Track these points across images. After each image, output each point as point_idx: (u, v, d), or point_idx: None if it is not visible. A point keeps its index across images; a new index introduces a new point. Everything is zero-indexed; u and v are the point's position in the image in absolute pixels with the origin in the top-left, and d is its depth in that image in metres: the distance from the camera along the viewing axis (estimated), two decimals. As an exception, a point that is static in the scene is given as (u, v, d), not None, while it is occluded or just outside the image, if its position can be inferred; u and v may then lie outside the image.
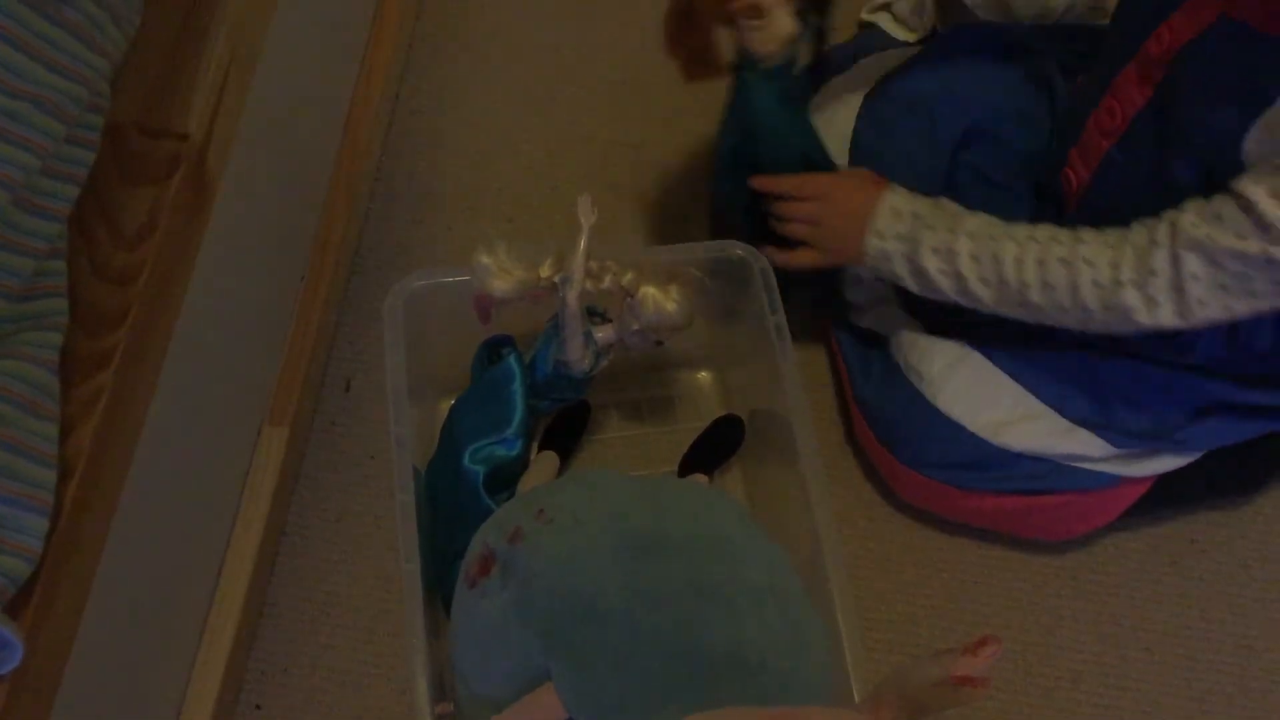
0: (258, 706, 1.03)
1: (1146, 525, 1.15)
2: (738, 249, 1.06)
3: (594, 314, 1.04)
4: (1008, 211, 0.98)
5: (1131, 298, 0.88)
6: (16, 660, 0.61)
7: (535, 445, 1.11)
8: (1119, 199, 0.95)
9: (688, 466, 1.12)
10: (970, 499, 1.07)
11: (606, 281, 0.98)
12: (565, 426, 1.13)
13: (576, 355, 1.02)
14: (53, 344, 0.67)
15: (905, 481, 1.11)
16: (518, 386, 1.05)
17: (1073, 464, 1.04)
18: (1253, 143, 0.82)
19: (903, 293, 1.07)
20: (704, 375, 1.20)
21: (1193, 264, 0.85)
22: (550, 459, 1.10)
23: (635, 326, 1.00)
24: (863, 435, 1.14)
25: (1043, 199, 1.09)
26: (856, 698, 0.89)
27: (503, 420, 1.05)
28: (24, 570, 0.63)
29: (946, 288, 0.98)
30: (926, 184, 1.06)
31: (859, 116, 1.17)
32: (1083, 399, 1.03)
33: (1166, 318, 0.88)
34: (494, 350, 1.08)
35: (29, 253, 0.67)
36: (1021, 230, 0.95)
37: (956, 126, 1.13)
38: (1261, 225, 0.80)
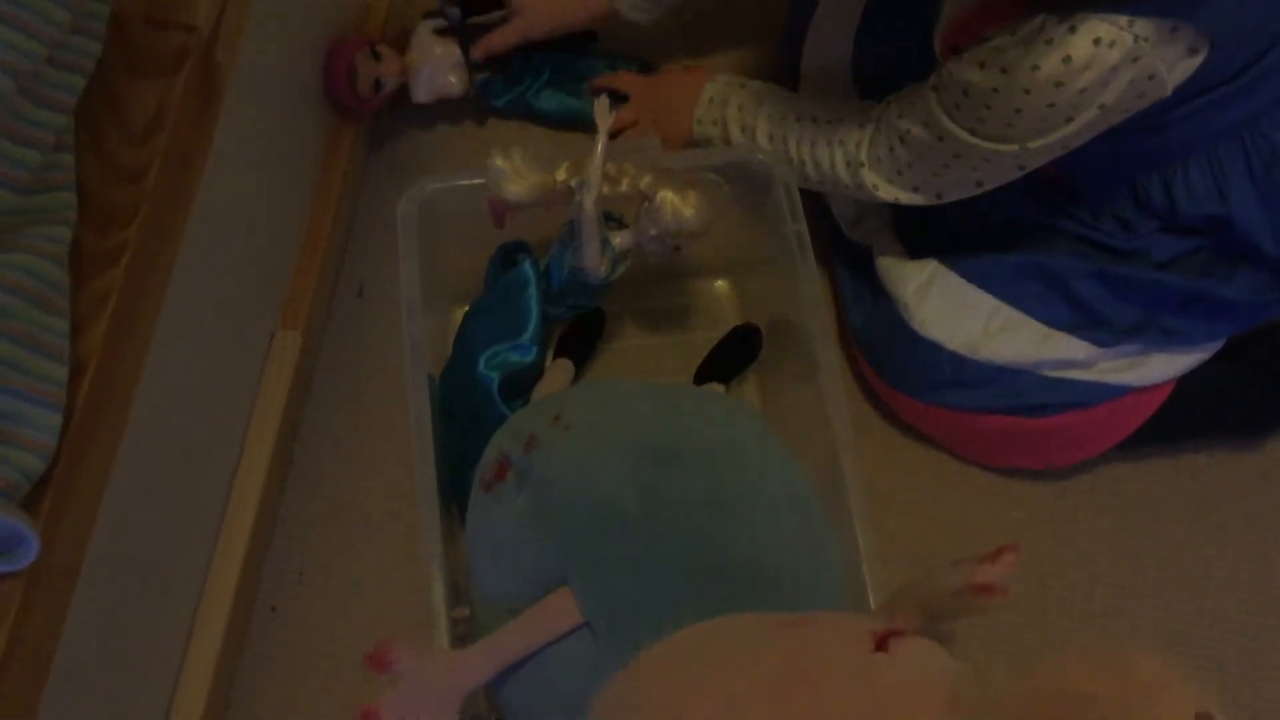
0: (273, 609, 1.04)
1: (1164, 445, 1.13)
2: (759, 154, 1.04)
3: (611, 219, 1.02)
4: None
5: (868, 177, 0.99)
6: (33, 555, 0.61)
7: (550, 353, 1.10)
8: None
9: (704, 376, 1.11)
10: (964, 419, 1.06)
11: (624, 186, 0.97)
12: (580, 334, 1.12)
13: (593, 261, 1.00)
14: (62, 239, 0.66)
15: (900, 406, 1.11)
16: (533, 292, 1.03)
17: (1059, 373, 1.02)
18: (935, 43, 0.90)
19: (888, 206, 1.06)
20: (721, 284, 1.18)
21: (901, 153, 0.95)
22: (565, 367, 1.09)
23: (653, 232, 0.98)
24: (859, 361, 1.13)
25: None
26: (872, 607, 0.89)
27: (518, 326, 1.03)
28: (39, 466, 0.62)
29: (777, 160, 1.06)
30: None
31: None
32: (1060, 304, 1.02)
33: (903, 196, 0.98)
34: (509, 256, 1.07)
35: (35, 144, 0.65)
36: (807, 109, 1.05)
37: None
38: (934, 123, 0.89)
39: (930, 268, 1.06)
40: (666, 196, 0.96)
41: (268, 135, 0.99)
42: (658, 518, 0.82)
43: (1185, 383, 1.05)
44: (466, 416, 1.03)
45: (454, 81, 1.16)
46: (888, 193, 0.99)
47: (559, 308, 1.07)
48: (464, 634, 0.91)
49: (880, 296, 1.09)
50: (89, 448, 0.67)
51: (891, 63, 1.12)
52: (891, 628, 0.74)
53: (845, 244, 1.15)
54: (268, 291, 1.05)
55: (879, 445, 1.13)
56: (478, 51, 1.16)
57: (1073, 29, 0.78)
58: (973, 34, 0.86)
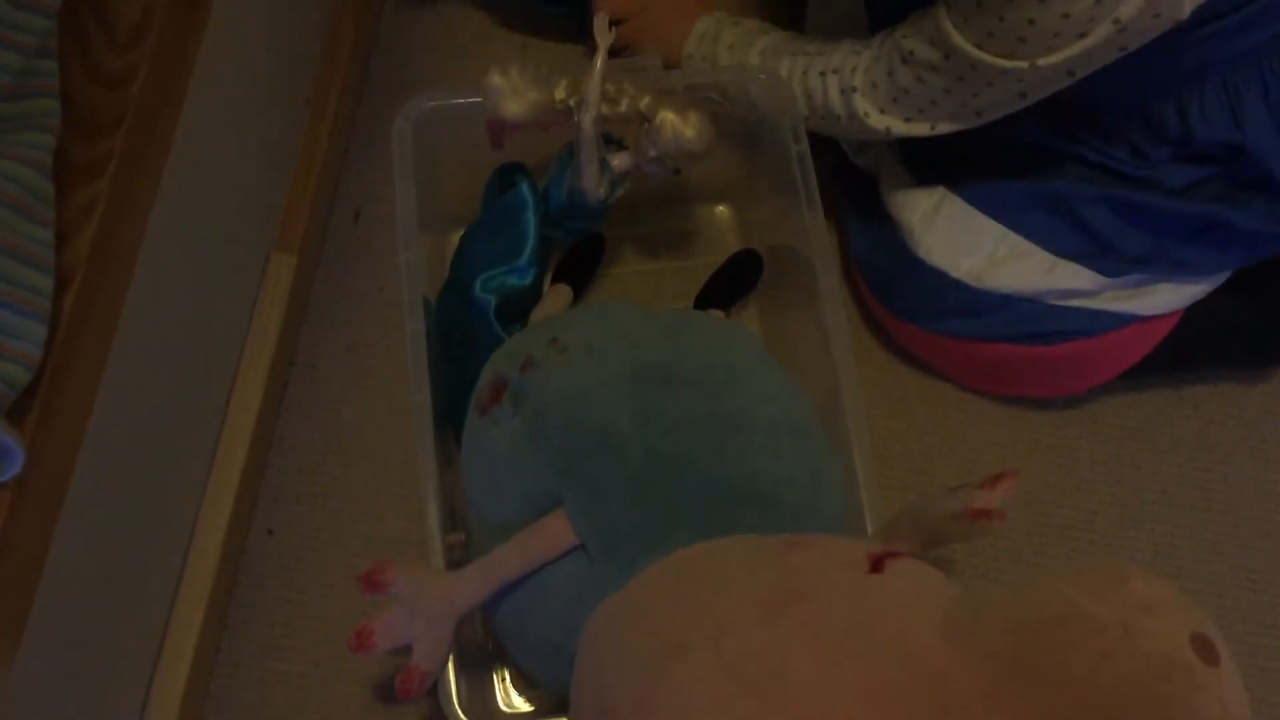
0: (270, 531, 1.04)
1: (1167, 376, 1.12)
2: (760, 74, 1.02)
3: (610, 141, 1.01)
4: None
5: (860, 104, 0.96)
6: (18, 468, 0.60)
7: (549, 277, 1.09)
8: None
9: (704, 301, 1.10)
10: (967, 347, 1.05)
11: (623, 106, 0.95)
12: (579, 259, 1.11)
13: (592, 183, 0.98)
14: (45, 146, 0.65)
15: (903, 334, 1.09)
16: (530, 214, 1.02)
17: (1065, 302, 1.01)
18: None
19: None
20: (722, 209, 1.17)
21: (901, 75, 0.93)
22: (563, 291, 1.08)
23: (652, 154, 0.96)
24: (861, 288, 1.12)
25: None
26: (870, 531, 0.89)
27: (515, 249, 1.02)
28: (23, 377, 0.62)
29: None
30: None
31: None
32: (1068, 231, 1.00)
33: (896, 126, 0.96)
34: (506, 178, 1.05)
35: (16, 48, 0.64)
36: (801, 44, 1.02)
37: None
38: (942, 38, 0.86)
39: (937, 194, 1.04)
40: (666, 117, 0.94)
41: (260, 44, 0.96)
42: (654, 440, 0.81)
43: (1191, 312, 1.03)
44: (463, 340, 1.02)
45: None
46: (879, 121, 0.97)
47: (557, 231, 1.05)
48: (459, 559, 0.91)
49: (884, 223, 1.07)
50: (75, 360, 0.66)
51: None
52: (887, 549, 0.73)
53: (849, 169, 1.13)
54: (262, 212, 1.04)
55: (879, 373, 1.12)
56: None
57: None
58: None
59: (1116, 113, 0.96)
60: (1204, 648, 0.57)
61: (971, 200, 1.02)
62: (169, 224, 0.79)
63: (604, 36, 0.92)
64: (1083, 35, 0.81)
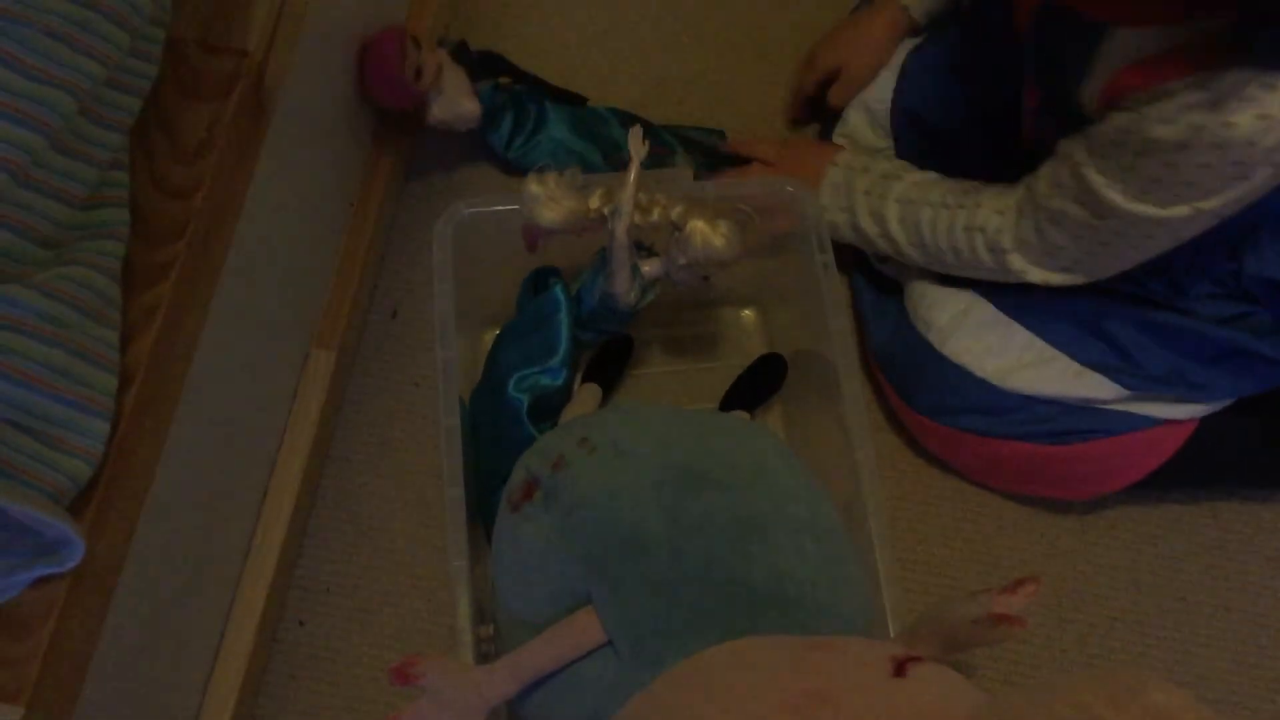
0: (301, 623, 1.06)
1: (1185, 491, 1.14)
2: (788, 185, 1.06)
3: (641, 248, 1.04)
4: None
5: (1015, 263, 0.99)
6: (78, 558, 0.63)
7: (579, 377, 1.12)
8: (1044, 139, 0.97)
9: (729, 403, 1.13)
10: (985, 444, 1.07)
11: (655, 215, 0.98)
12: (608, 360, 1.14)
13: (623, 288, 1.02)
14: (115, 253, 0.68)
15: (924, 431, 1.11)
16: (563, 316, 1.05)
17: (1086, 405, 1.03)
18: (1086, 97, 0.87)
19: None
20: (748, 313, 1.20)
21: (1053, 234, 0.95)
22: (593, 391, 1.11)
23: (682, 261, 1.00)
24: (882, 385, 1.14)
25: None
26: (892, 634, 0.90)
27: (548, 350, 1.05)
28: (86, 472, 0.65)
29: (885, 249, 1.08)
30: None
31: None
32: (1093, 343, 1.03)
33: (1055, 278, 0.98)
34: (541, 280, 1.09)
35: (93, 162, 0.68)
36: (939, 194, 1.03)
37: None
38: (1090, 194, 0.88)
39: (966, 297, 1.07)
40: (697, 226, 0.98)
41: (310, 157, 1.01)
42: (682, 539, 0.83)
43: (1207, 425, 1.05)
44: (495, 438, 1.05)
45: (469, 106, 1.16)
46: (1038, 276, 0.99)
47: (588, 333, 1.09)
48: (488, 652, 0.92)
49: (904, 317, 1.10)
50: (134, 455, 0.69)
51: (932, 109, 1.15)
52: (910, 653, 0.75)
53: (872, 268, 1.17)
54: (304, 310, 1.07)
55: (902, 475, 1.14)
56: None
57: (1273, 87, 0.76)
58: (1142, 86, 0.82)
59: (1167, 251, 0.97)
60: (1221, 758, 0.58)
61: (1001, 306, 1.06)
62: (222, 324, 0.82)
63: (638, 148, 0.96)
64: (1247, 177, 0.82)
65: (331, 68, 1.01)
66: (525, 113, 1.20)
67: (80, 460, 0.64)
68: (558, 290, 1.06)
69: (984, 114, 1.12)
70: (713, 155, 1.22)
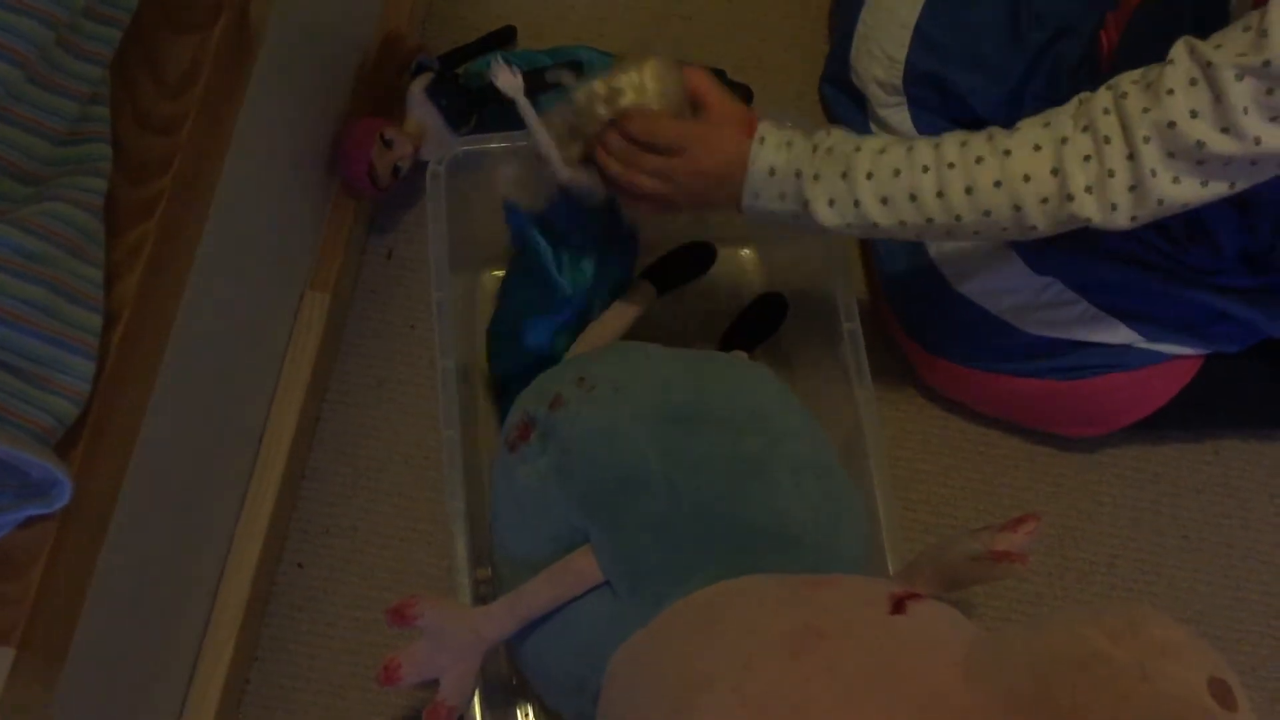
0: (300, 565, 1.05)
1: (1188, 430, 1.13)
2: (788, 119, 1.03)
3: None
4: None
5: (1088, 208, 0.79)
6: (66, 498, 0.62)
7: (597, 306, 1.07)
8: (1141, 62, 0.85)
9: (728, 343, 1.12)
10: (999, 381, 1.06)
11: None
12: (681, 264, 1.11)
13: (547, 149, 0.91)
14: (96, 189, 0.67)
15: (933, 369, 1.10)
16: (548, 259, 1.02)
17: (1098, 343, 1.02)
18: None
19: None
20: (747, 252, 1.19)
21: (1152, 158, 0.77)
22: (645, 290, 1.07)
23: (603, 110, 0.88)
24: (889, 322, 1.13)
25: (1079, 67, 1.05)
26: (892, 571, 0.90)
27: (549, 300, 1.03)
28: (71, 411, 0.64)
29: (859, 234, 0.91)
30: (998, 87, 1.03)
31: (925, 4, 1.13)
32: (1111, 290, 1.01)
33: (1122, 220, 0.79)
34: (515, 229, 1.05)
35: (72, 95, 0.66)
36: (928, 153, 0.82)
37: (1049, 22, 1.08)
38: (1216, 95, 0.74)
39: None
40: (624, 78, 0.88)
41: (300, 90, 0.99)
42: (680, 479, 0.83)
43: (1218, 361, 1.04)
44: (516, 366, 1.04)
45: (450, 144, 1.08)
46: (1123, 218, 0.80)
47: (582, 243, 1.03)
48: (486, 594, 0.92)
49: (920, 257, 1.08)
50: (121, 395, 0.68)
51: (966, 38, 1.09)
52: (909, 590, 0.74)
53: None
54: (298, 252, 1.06)
55: (903, 413, 1.14)
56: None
57: None
58: None
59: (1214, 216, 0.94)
60: (1221, 692, 0.58)
61: (1020, 250, 1.04)
62: (211, 263, 0.81)
63: (513, 88, 0.89)
64: None
65: (314, 12, 0.99)
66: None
67: (66, 400, 0.63)
68: (535, 236, 1.02)
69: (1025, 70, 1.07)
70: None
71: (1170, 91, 0.75)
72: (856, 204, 0.83)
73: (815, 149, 0.84)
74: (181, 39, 0.74)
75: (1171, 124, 0.75)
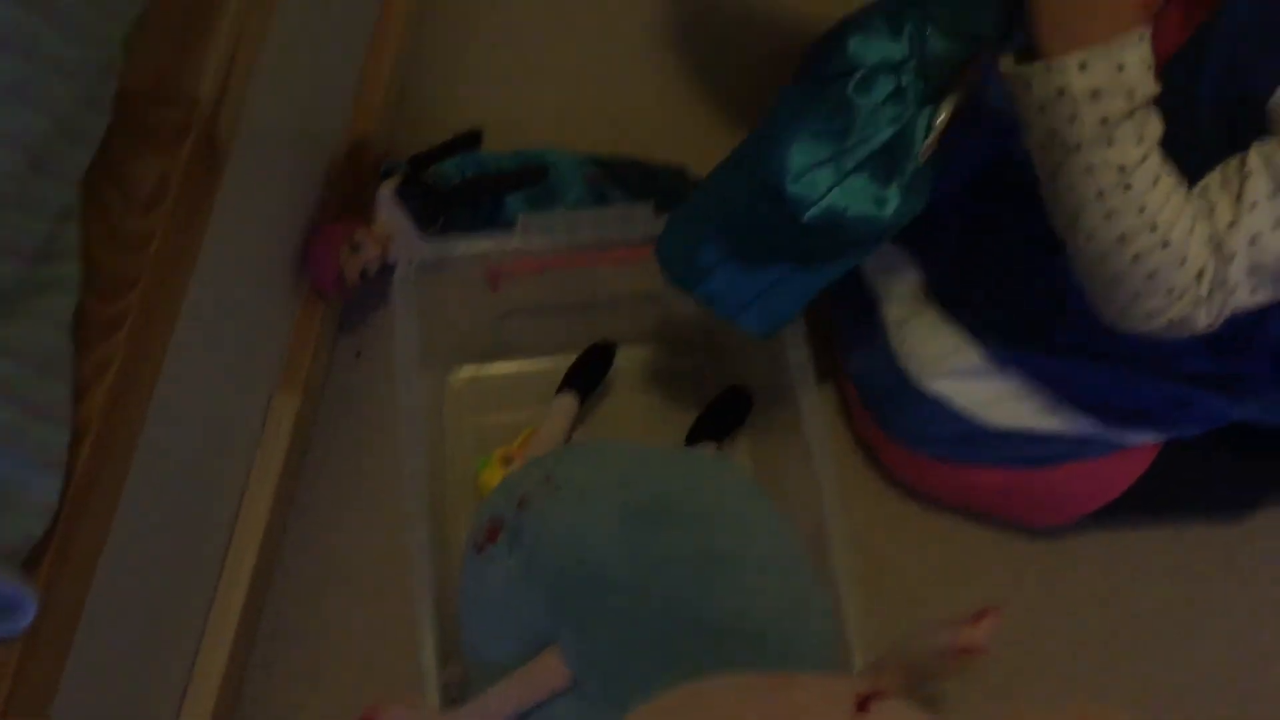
0: (268, 669, 1.05)
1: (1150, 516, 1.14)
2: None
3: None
4: None
5: (1199, 314, 0.82)
6: (30, 617, 0.63)
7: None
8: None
9: (696, 436, 1.13)
10: (962, 473, 1.07)
11: None
12: (588, 366, 1.13)
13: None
14: (66, 308, 0.68)
15: (900, 461, 1.11)
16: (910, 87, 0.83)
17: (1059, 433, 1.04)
18: (1278, 102, 0.81)
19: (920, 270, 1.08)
20: (713, 345, 1.20)
21: (1244, 292, 0.81)
22: (568, 403, 1.10)
23: None
24: (857, 415, 1.14)
25: None
26: (859, 666, 0.90)
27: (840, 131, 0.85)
28: (38, 529, 0.64)
29: (1044, 170, 0.83)
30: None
31: None
32: (1071, 381, 1.03)
33: (1201, 325, 0.83)
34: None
35: (43, 216, 0.67)
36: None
37: None
38: None
39: (954, 338, 1.06)
40: None
41: (269, 197, 1.01)
42: (646, 578, 0.84)
43: (1176, 448, 1.06)
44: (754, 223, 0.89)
45: (421, 248, 1.09)
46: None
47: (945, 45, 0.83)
48: (456, 696, 0.92)
49: (885, 345, 1.09)
50: (88, 511, 0.69)
51: None
52: (874, 689, 0.75)
53: (848, 293, 1.13)
54: (266, 355, 1.07)
55: (871, 504, 1.15)
56: None
57: None
58: None
59: None
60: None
61: (984, 340, 1.05)
62: (179, 375, 0.82)
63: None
64: None
65: (287, 112, 1.01)
66: (481, 223, 1.15)
67: (32, 517, 0.64)
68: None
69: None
70: (672, 195, 1.21)
71: (1254, 205, 0.79)
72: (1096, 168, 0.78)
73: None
74: (150, 157, 0.76)
75: (1256, 237, 0.78)
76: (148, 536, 0.84)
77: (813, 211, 0.84)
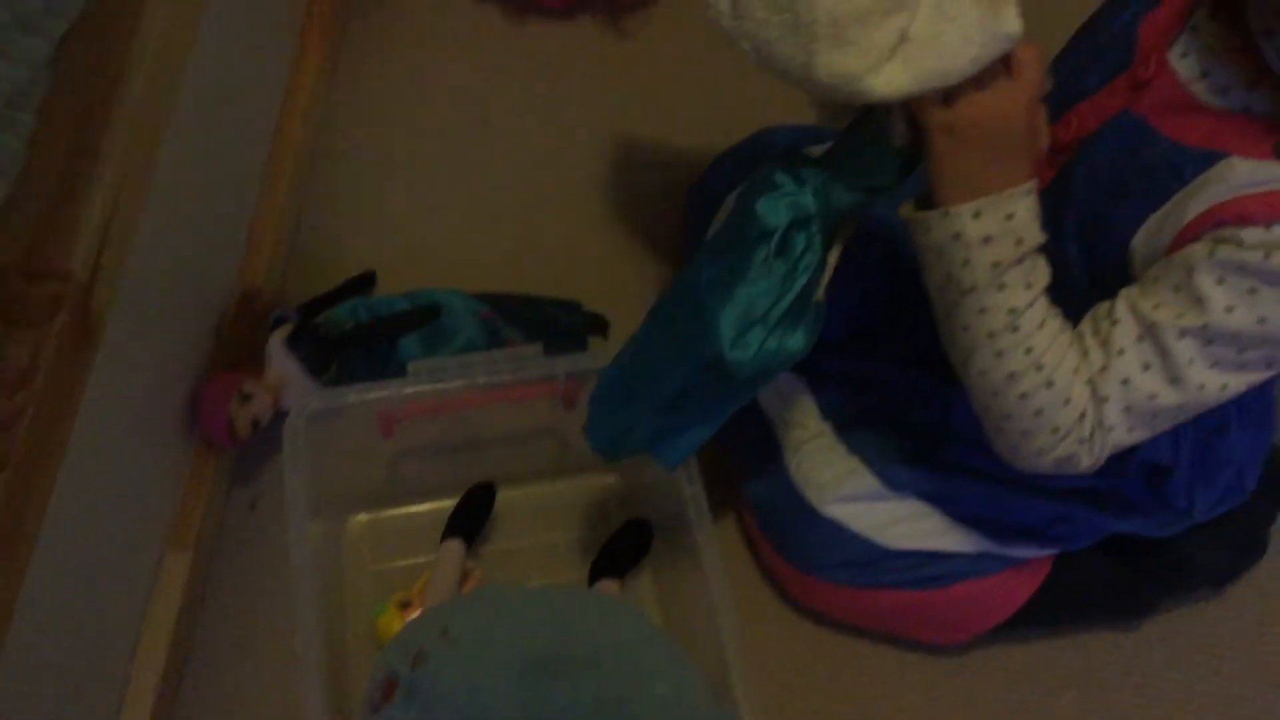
0: (162, 842, 1.01)
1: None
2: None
3: None
4: None
5: (1082, 453, 0.86)
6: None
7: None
8: None
9: (598, 572, 1.12)
10: (862, 595, 1.08)
11: None
12: (470, 510, 1.13)
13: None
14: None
15: (802, 586, 1.12)
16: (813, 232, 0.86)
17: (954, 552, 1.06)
18: (1140, 241, 0.85)
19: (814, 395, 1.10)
20: (612, 479, 1.21)
21: (1121, 431, 0.85)
22: (455, 549, 1.09)
23: None
24: (757, 541, 1.15)
25: None
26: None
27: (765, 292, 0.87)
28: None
29: (940, 310, 0.87)
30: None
31: None
32: (960, 500, 1.05)
33: (1085, 464, 0.87)
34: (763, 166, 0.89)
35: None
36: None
37: None
38: (1171, 369, 0.81)
39: (850, 462, 1.08)
40: None
41: (154, 356, 1.00)
42: (544, 732, 0.83)
43: (1068, 560, 1.09)
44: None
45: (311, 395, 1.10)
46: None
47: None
48: None
49: (781, 475, 1.11)
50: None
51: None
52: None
53: (745, 418, 1.13)
54: (156, 513, 1.05)
55: (774, 631, 1.15)
56: None
57: None
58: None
59: None
60: None
61: (882, 474, 1.07)
62: (55, 550, 0.80)
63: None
64: None
65: (170, 275, 1.01)
66: (375, 366, 1.15)
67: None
68: (794, 193, 0.85)
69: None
70: (566, 330, 1.23)
71: (1121, 351, 0.83)
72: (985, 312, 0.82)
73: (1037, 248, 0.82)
74: (20, 334, 0.75)
75: (1127, 380, 0.83)
76: (33, 701, 0.81)
77: (749, 368, 0.88)
